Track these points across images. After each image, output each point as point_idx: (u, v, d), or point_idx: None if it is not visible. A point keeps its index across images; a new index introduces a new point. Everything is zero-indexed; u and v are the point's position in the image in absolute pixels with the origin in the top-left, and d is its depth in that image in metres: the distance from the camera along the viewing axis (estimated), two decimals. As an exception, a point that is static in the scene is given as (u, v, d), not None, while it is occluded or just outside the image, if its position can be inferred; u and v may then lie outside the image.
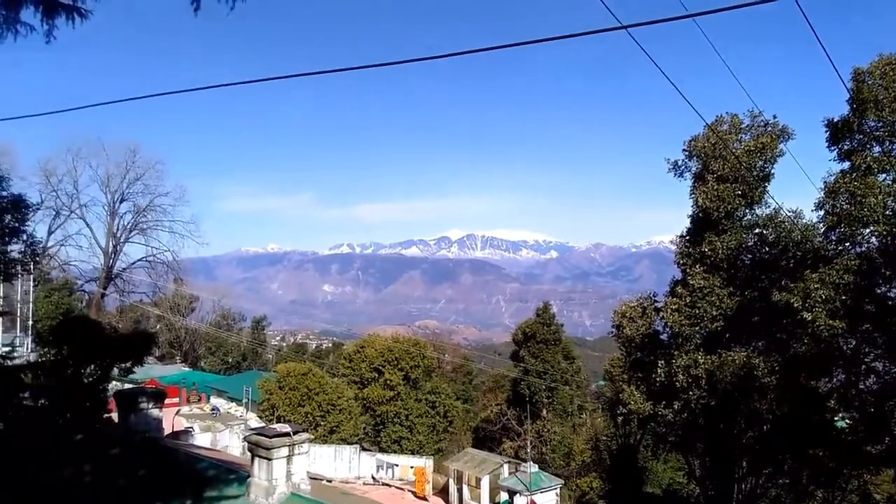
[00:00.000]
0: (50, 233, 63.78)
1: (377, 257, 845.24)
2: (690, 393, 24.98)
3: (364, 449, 40.60)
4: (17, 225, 13.43)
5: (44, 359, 17.24)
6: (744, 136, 26.62)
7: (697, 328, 25.64)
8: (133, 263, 70.76)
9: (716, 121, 27.07)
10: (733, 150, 25.77)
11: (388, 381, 44.37)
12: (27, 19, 9.86)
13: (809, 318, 21.56)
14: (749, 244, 26.52)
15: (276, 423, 21.54)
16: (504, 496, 32.60)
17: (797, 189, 29.03)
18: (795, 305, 21.99)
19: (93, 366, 17.37)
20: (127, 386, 25.79)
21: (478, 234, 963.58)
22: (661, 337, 28.39)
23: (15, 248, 14.13)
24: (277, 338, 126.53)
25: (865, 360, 23.87)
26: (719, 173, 25.98)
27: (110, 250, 67.79)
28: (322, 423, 40.50)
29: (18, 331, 46.24)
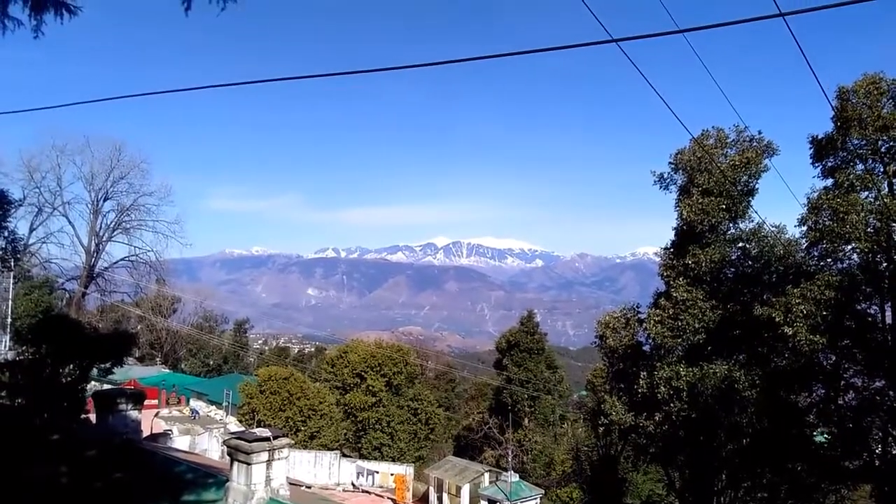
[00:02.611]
0: (32, 230, 63.01)
1: (362, 262, 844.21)
2: (672, 405, 25.06)
3: (344, 455, 40.42)
4: (-3, 221, 13.25)
5: (22, 357, 17.02)
6: (729, 150, 26.87)
7: (680, 340, 25.75)
8: (115, 263, 70.00)
9: (702, 135, 27.28)
10: (718, 165, 25.98)
11: (371, 387, 44.22)
12: (15, 14, 9.76)
13: (790, 333, 21.74)
14: (732, 258, 26.72)
15: (257, 427, 21.39)
16: (484, 505, 32.52)
17: (781, 204, 29.42)
18: (777, 320, 22.17)
19: (72, 365, 17.18)
20: (106, 386, 25.55)
21: (464, 242, 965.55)
22: (644, 348, 28.49)
23: (-5, 245, 13.94)
24: (260, 341, 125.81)
25: (845, 375, 24.12)
26: (704, 187, 26.17)
27: (92, 249, 67.06)
28: (303, 429, 40.30)
29: (-4, 328, 45.67)
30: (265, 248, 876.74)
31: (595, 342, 31.04)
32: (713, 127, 27.40)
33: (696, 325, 25.38)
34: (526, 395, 49.72)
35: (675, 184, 28.04)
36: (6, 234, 13.46)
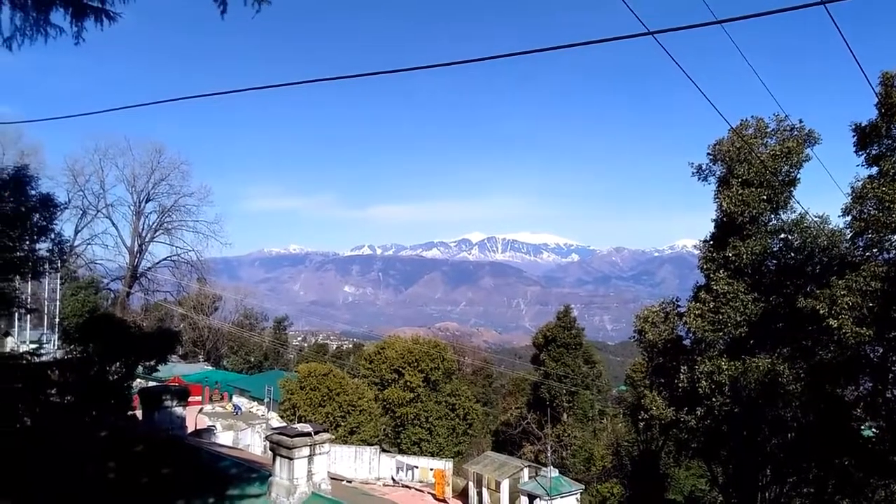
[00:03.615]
0: (77, 232, 64.77)
1: (397, 259, 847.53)
2: (713, 399, 24.72)
3: (384, 450, 40.70)
4: (45, 224, 13.66)
5: (70, 356, 17.47)
6: (769, 140, 26.32)
7: (721, 334, 25.36)
8: (158, 263, 71.58)
9: (741, 125, 26.78)
10: (758, 155, 25.48)
11: (408, 383, 44.45)
12: (57, 22, 10.01)
13: (835, 325, 21.24)
14: (774, 249, 26.20)
15: (298, 422, 21.69)
16: (524, 500, 32.48)
17: (823, 194, 28.74)
18: (821, 312, 21.68)
19: (118, 363, 17.59)
20: (151, 384, 26.17)
21: (498, 237, 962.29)
22: (684, 342, 28.12)
23: (43, 247, 14.38)
24: (298, 338, 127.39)
25: (893, 368, 23.47)
26: (744, 177, 25.69)
27: (136, 249, 68.66)
28: (342, 424, 40.69)
29: (46, 328, 47.04)
30: (302, 247, 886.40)
31: (633, 337, 30.72)
32: (752, 116, 26.89)
33: (738, 319, 24.97)
34: (564, 391, 49.46)
35: (713, 175, 27.58)
36: (53, 236, 13.83)
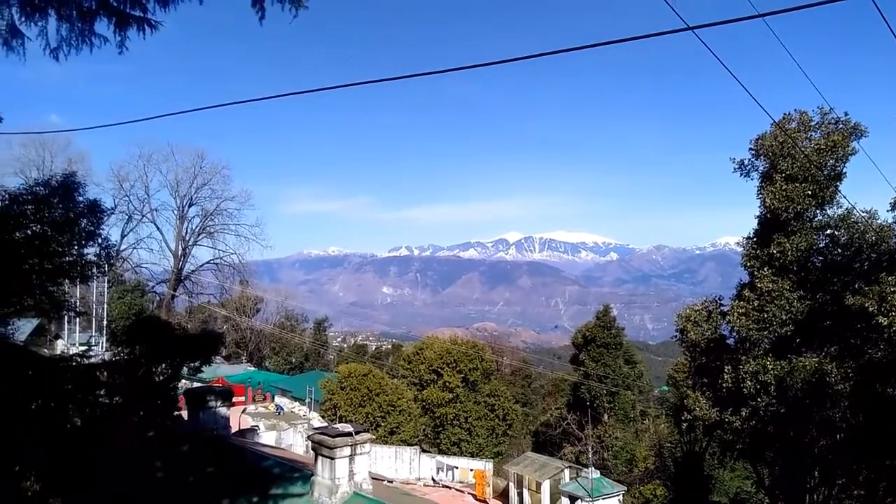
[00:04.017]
0: (123, 236, 66.61)
1: (435, 259, 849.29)
2: (759, 399, 24.20)
3: (424, 450, 40.84)
4: (92, 229, 13.98)
5: (118, 358, 17.88)
6: (814, 133, 25.63)
7: (766, 333, 24.82)
8: (201, 266, 73.20)
9: (784, 118, 26.16)
10: (802, 149, 24.87)
11: (447, 384, 44.52)
12: (101, 31, 10.27)
13: (885, 323, 20.62)
14: (820, 246, 25.55)
15: (339, 422, 21.90)
16: (565, 501, 32.26)
17: (871, 188, 27.89)
18: (870, 309, 21.07)
19: (164, 365, 17.95)
20: (196, 385, 26.68)
21: (536, 237, 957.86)
22: (728, 342, 27.58)
23: (91, 252, 14.72)
24: (338, 339, 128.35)
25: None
26: (788, 172, 25.10)
27: (179, 253, 70.23)
28: (382, 424, 40.97)
29: (94, 330, 48.37)
30: (341, 249, 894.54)
31: (675, 336, 30.20)
32: (795, 110, 26.22)
33: (783, 317, 24.41)
34: (604, 391, 48.95)
35: (756, 170, 26.99)
36: (100, 241, 14.18)
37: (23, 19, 10.14)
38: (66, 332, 47.24)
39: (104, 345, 40.56)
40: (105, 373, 15.90)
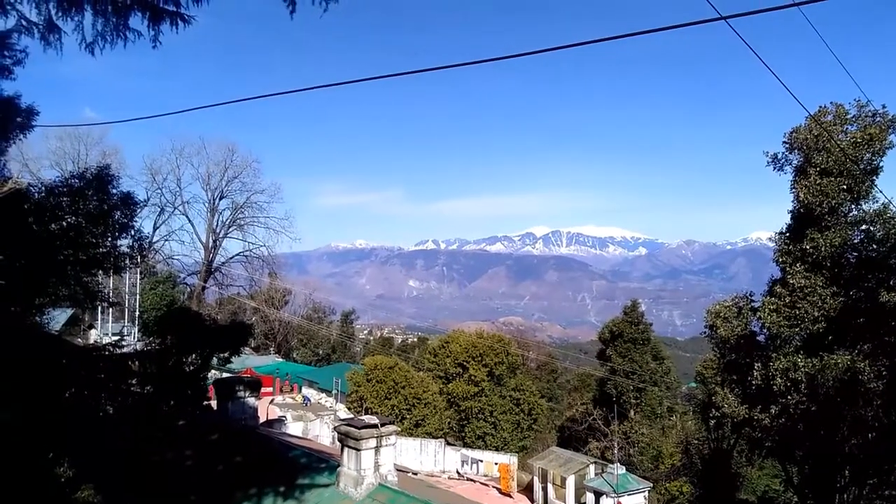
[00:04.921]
0: (155, 228, 67.56)
1: (461, 253, 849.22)
2: (789, 397, 23.85)
3: (449, 443, 40.96)
4: (125, 221, 14.18)
5: (149, 348, 18.12)
6: (850, 126, 25.10)
7: (797, 329, 24.43)
8: (231, 258, 74.03)
9: (819, 111, 25.64)
10: (838, 142, 24.37)
11: (473, 377, 44.55)
12: (135, 26, 10.43)
13: (922, 321, 20.20)
14: (855, 241, 25.02)
15: (364, 414, 22.03)
16: (590, 497, 32.15)
17: (909, 183, 27.24)
18: (906, 307, 20.64)
19: (194, 355, 18.16)
20: (225, 375, 27.02)
21: (563, 231, 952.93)
22: (758, 338, 27.21)
23: (124, 243, 14.93)
24: (365, 331, 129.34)
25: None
26: (822, 166, 24.62)
27: (210, 245, 71.11)
28: (408, 417, 41.16)
29: (126, 320, 49.20)
30: (368, 242, 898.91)
31: (704, 332, 29.88)
32: (831, 103, 25.67)
33: (816, 314, 23.99)
34: (631, 387, 48.61)
35: (790, 164, 26.52)
36: (133, 233, 14.37)
37: (59, 14, 10.34)
38: (99, 321, 48.17)
39: (136, 335, 41.20)
40: (137, 362, 16.15)
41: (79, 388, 13.23)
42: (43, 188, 13.10)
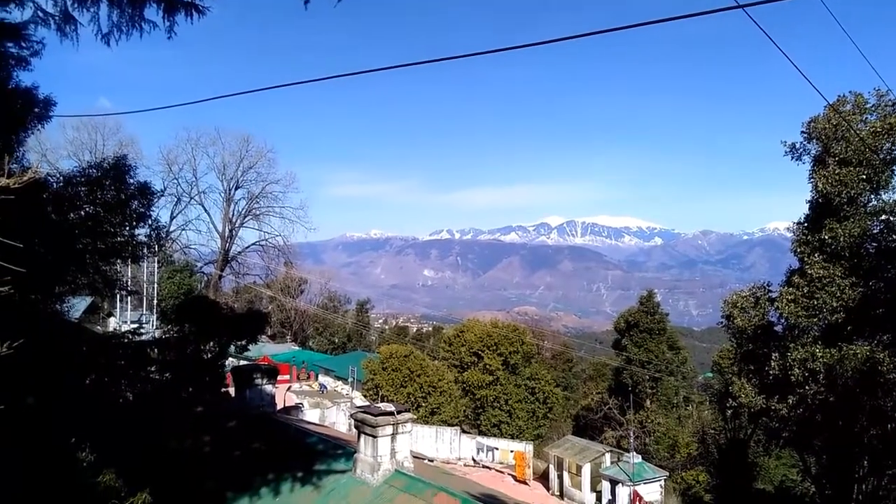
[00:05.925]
0: (172, 218, 68.09)
1: (476, 243, 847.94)
2: (807, 387, 23.68)
3: (464, 431, 41.12)
4: (143, 210, 14.31)
5: (168, 335, 18.33)
6: (869, 116, 24.73)
7: (815, 320, 24.22)
8: (247, 247, 74.53)
9: (838, 101, 25.27)
10: (857, 132, 24.05)
11: (488, 366, 44.64)
12: (150, 17, 10.48)
13: (943, 311, 19.95)
14: (874, 231, 24.70)
15: (380, 402, 22.18)
16: (606, 485, 32.19)
17: (931, 172, 26.82)
18: (927, 297, 20.39)
19: (212, 343, 18.35)
20: (242, 363, 27.28)
21: (578, 221, 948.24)
22: (776, 329, 27.02)
23: (141, 233, 15.08)
24: (380, 320, 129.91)
25: None
26: (841, 156, 24.31)
27: (227, 234, 71.59)
28: (423, 405, 41.34)
29: (145, 309, 49.75)
30: (383, 232, 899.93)
31: (721, 322, 29.69)
32: (850, 92, 25.29)
33: (834, 304, 23.76)
34: (647, 376, 48.50)
35: (808, 154, 26.20)
36: (150, 222, 14.49)
37: (75, 5, 10.41)
38: (118, 310, 48.69)
39: (154, 323, 41.67)
40: (155, 350, 16.35)
41: (99, 374, 13.41)
42: (61, 178, 13.23)
